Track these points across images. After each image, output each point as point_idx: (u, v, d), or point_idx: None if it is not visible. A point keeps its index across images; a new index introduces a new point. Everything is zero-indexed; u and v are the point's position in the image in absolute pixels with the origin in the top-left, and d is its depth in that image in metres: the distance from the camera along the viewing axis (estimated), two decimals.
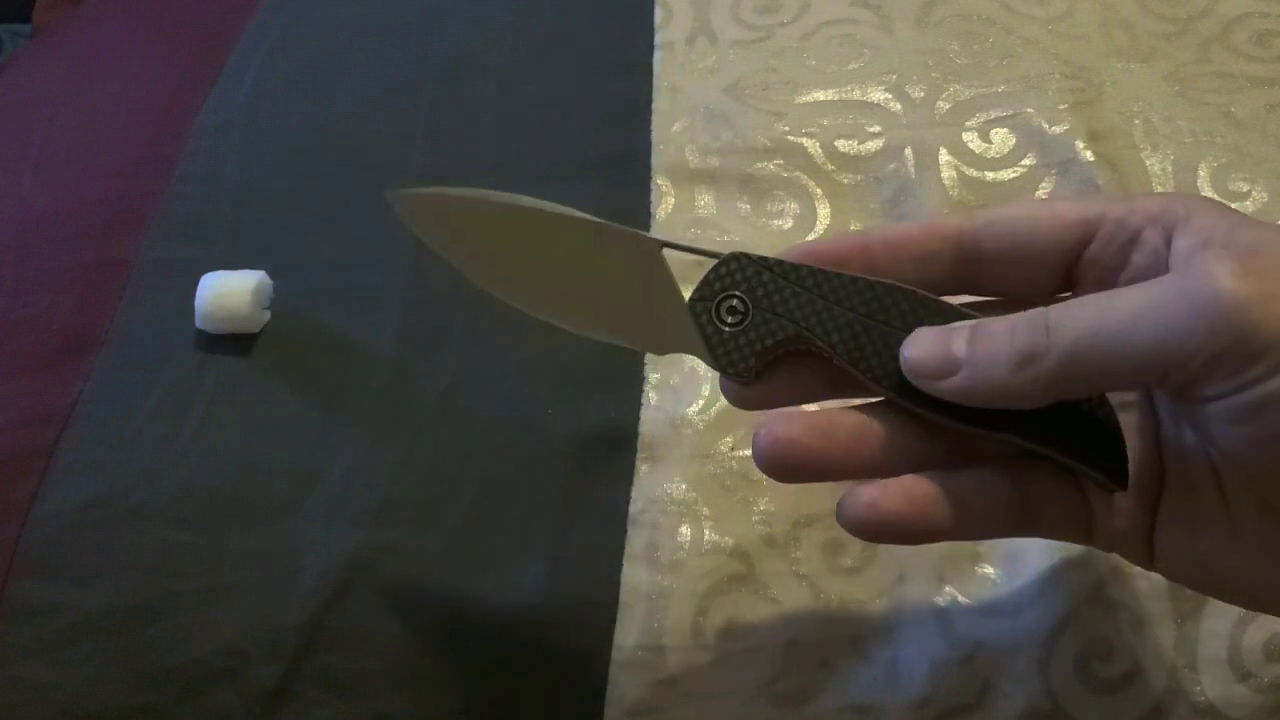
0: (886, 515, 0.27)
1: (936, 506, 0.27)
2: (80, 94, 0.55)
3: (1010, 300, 0.29)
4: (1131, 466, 0.27)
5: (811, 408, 0.29)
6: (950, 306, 0.28)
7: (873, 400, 0.28)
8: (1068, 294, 0.29)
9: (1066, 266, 0.28)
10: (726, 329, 0.28)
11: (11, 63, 0.63)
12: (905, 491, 0.27)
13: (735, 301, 0.28)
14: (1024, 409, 0.26)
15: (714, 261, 0.29)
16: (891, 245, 0.29)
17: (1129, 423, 0.28)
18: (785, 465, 0.27)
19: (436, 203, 0.31)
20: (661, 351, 0.30)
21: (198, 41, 0.55)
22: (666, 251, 0.30)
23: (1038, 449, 0.27)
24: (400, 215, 0.31)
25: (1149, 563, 0.28)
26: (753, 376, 0.28)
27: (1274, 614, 0.30)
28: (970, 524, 0.27)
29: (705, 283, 0.28)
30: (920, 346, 0.27)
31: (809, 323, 0.28)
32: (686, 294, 0.29)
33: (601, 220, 0.30)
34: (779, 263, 0.28)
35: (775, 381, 0.29)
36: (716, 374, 0.29)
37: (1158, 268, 0.26)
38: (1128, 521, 0.28)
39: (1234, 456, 0.25)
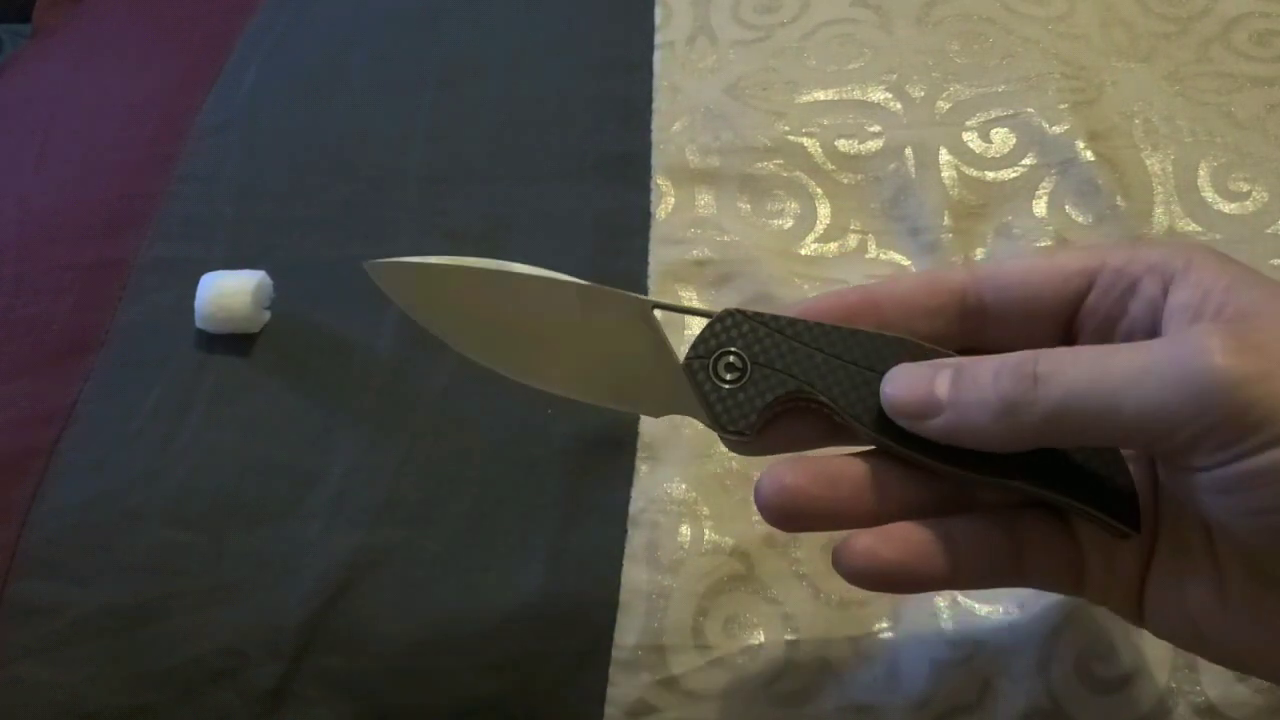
0: (885, 563, 0.26)
1: (933, 554, 0.26)
2: (80, 94, 0.55)
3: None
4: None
5: (811, 454, 0.29)
6: (946, 354, 0.27)
7: (869, 449, 0.28)
8: None
9: (1067, 318, 0.28)
10: (725, 386, 0.28)
11: (11, 63, 0.63)
12: (903, 539, 0.26)
13: (732, 358, 0.28)
14: (1006, 453, 0.25)
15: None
16: (898, 301, 0.28)
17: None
18: (790, 514, 0.27)
19: (415, 272, 0.30)
20: (658, 414, 0.29)
21: (198, 41, 0.55)
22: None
23: (1045, 495, 0.27)
24: (379, 284, 0.31)
25: (1139, 618, 0.27)
26: (754, 434, 0.28)
27: (1261, 678, 0.29)
28: (965, 573, 0.27)
29: (701, 340, 0.28)
30: (901, 384, 0.26)
31: (808, 376, 0.27)
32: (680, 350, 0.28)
33: (588, 283, 0.29)
34: (774, 317, 0.28)
35: (774, 431, 0.28)
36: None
37: (1154, 318, 0.26)
38: (1121, 572, 0.27)
39: (1221, 525, 0.25)
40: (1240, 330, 0.22)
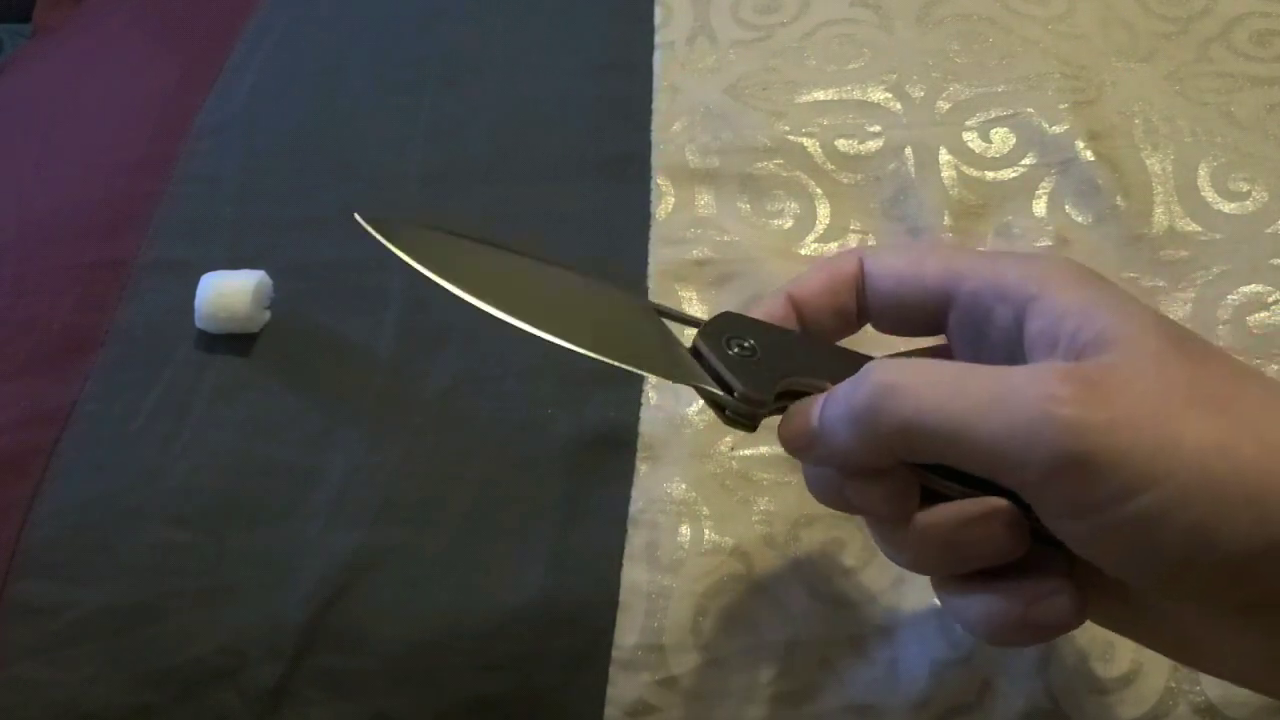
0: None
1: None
2: (80, 94, 0.55)
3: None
4: None
5: None
6: (852, 354, 0.28)
7: None
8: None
9: (939, 324, 0.28)
10: (737, 355, 0.27)
11: (12, 62, 0.63)
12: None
13: (743, 341, 0.28)
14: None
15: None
16: (809, 304, 0.29)
17: None
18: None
19: (419, 228, 0.31)
20: (673, 378, 0.28)
21: (198, 41, 0.55)
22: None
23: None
24: (374, 232, 0.31)
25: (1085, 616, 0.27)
26: (766, 409, 0.27)
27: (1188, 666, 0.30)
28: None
29: (709, 325, 0.28)
30: (789, 423, 0.27)
31: (803, 370, 0.28)
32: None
33: (592, 274, 0.30)
34: (767, 325, 0.29)
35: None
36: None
37: (1010, 347, 0.26)
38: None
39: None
40: (1091, 375, 0.22)
